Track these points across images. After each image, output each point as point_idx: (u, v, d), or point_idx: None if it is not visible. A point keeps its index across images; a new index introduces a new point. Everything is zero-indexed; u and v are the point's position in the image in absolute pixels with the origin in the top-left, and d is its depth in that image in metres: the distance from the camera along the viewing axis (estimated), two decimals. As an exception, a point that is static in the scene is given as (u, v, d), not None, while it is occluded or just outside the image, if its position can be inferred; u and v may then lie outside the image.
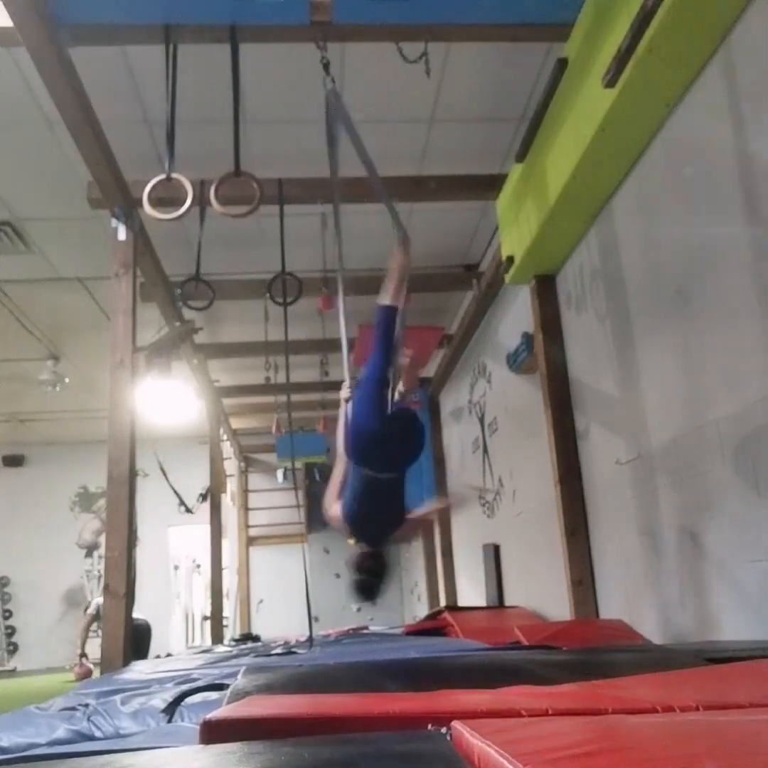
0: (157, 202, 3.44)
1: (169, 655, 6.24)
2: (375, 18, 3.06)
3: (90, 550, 10.54)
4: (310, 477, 10.25)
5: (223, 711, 1.31)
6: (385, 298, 2.79)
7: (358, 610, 9.63)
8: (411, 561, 9.69)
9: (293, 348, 5.07)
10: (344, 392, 2.87)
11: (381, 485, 2.67)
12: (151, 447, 7.22)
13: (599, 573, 3.91)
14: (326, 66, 2.88)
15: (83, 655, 7.73)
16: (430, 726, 1.15)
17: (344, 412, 2.82)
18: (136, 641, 6.59)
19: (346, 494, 2.78)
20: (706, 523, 2.88)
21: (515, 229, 4.13)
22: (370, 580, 2.74)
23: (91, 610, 7.84)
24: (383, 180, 3.02)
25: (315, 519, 10.16)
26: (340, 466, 2.86)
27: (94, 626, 7.84)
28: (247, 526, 10.55)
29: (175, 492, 8.37)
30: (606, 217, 3.68)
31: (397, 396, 2.65)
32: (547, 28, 3.24)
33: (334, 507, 2.82)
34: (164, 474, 7.82)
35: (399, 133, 4.29)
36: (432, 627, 4.60)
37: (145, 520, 5.33)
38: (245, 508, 10.58)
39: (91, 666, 7.35)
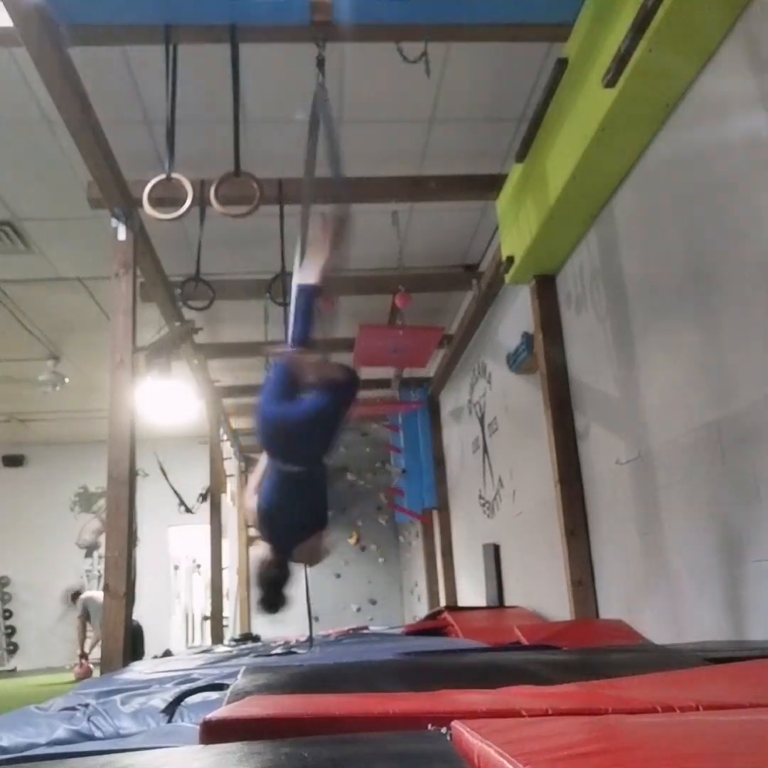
0: (157, 202, 3.44)
1: (168, 652, 6.24)
2: (375, 18, 3.06)
3: (90, 550, 10.55)
4: (310, 477, 10.23)
5: (223, 711, 1.30)
6: (307, 276, 2.57)
7: (358, 610, 9.64)
8: (411, 561, 9.69)
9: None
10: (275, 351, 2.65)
11: (291, 480, 2.45)
12: (151, 447, 7.23)
13: (599, 573, 3.91)
14: (321, 63, 2.89)
15: (83, 655, 7.73)
16: (430, 726, 1.14)
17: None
18: (135, 643, 6.59)
19: (263, 486, 2.56)
20: (706, 523, 2.88)
21: (515, 229, 4.13)
22: (271, 590, 2.47)
23: (78, 613, 7.86)
24: (378, 179, 3.00)
25: (315, 519, 10.17)
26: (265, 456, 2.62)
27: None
28: (248, 526, 10.54)
29: (175, 492, 8.38)
30: (606, 217, 3.68)
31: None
32: (547, 28, 3.24)
33: (251, 499, 2.57)
34: (164, 474, 7.83)
35: (399, 133, 4.30)
36: (432, 627, 4.60)
37: (145, 520, 5.33)
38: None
39: (91, 666, 7.35)
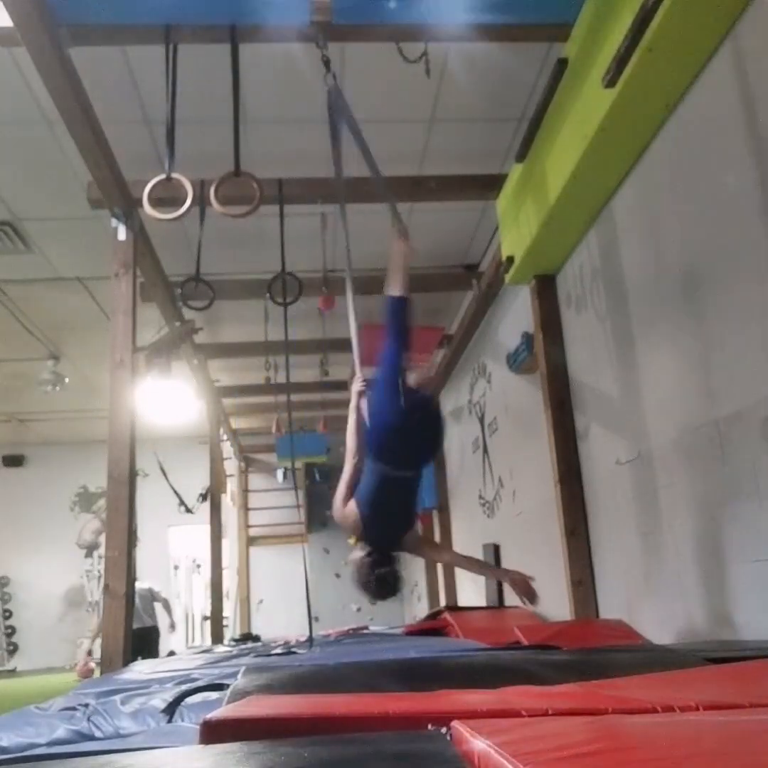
0: (157, 202, 3.43)
1: (171, 653, 6.24)
2: (375, 18, 3.06)
3: (90, 550, 10.55)
4: (310, 477, 10.25)
5: (223, 711, 1.30)
6: (395, 290, 2.77)
7: (358, 609, 9.63)
8: (411, 561, 9.69)
9: (293, 348, 5.07)
10: (356, 385, 2.82)
11: (398, 484, 2.61)
12: (151, 447, 7.23)
13: (599, 573, 3.91)
14: (327, 63, 2.89)
15: (90, 652, 7.73)
16: (430, 726, 1.14)
17: (355, 407, 2.76)
18: (147, 645, 6.58)
19: (359, 493, 2.70)
20: (706, 522, 2.88)
21: (515, 229, 4.13)
22: (390, 576, 2.65)
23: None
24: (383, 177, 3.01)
25: (315, 519, 10.19)
26: (350, 464, 2.79)
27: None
28: (247, 526, 10.55)
29: (175, 492, 8.38)
30: (606, 217, 3.68)
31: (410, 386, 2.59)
32: (547, 28, 3.24)
33: (346, 506, 2.73)
34: (164, 474, 7.83)
35: (399, 133, 4.30)
36: (432, 627, 4.60)
37: (145, 520, 5.33)
38: (245, 508, 10.58)
39: (93, 665, 7.36)
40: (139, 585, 7.30)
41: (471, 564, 3.39)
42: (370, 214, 3.71)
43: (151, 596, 7.35)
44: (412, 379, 2.62)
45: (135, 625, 6.64)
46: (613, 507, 3.73)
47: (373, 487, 2.63)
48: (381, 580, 2.64)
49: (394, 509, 2.66)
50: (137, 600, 6.98)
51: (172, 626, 7.98)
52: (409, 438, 2.55)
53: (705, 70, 2.71)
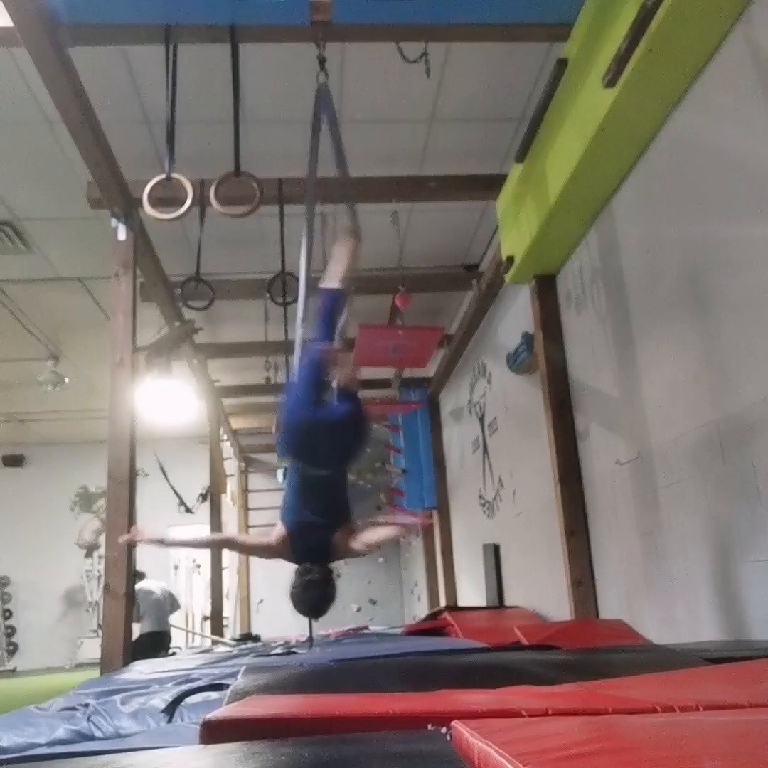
0: (157, 202, 3.44)
1: (173, 653, 6.24)
2: (375, 18, 3.06)
3: (90, 550, 10.54)
4: (310, 477, 10.23)
5: (223, 711, 1.31)
6: (332, 282, 2.71)
7: (358, 609, 9.64)
8: (411, 561, 9.69)
9: (293, 348, 5.06)
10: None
11: (317, 483, 2.50)
12: (151, 447, 7.21)
13: (599, 573, 3.91)
14: (322, 62, 2.90)
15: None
16: (430, 726, 1.15)
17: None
18: (161, 648, 6.53)
19: (283, 502, 2.62)
20: (706, 522, 2.88)
21: (515, 229, 4.13)
22: (319, 594, 2.51)
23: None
24: (378, 179, 3.03)
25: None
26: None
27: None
28: (248, 526, 10.54)
29: (175, 492, 8.36)
30: (606, 217, 3.68)
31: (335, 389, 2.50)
32: (547, 28, 3.24)
33: (275, 531, 2.60)
34: (164, 474, 7.81)
35: (399, 133, 4.30)
36: (432, 627, 4.60)
37: (145, 520, 5.32)
38: (245, 508, 10.57)
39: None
40: (160, 585, 7.16)
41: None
42: (364, 215, 3.71)
43: (171, 601, 7.12)
44: (335, 375, 2.53)
45: (154, 628, 6.56)
46: (613, 507, 3.73)
47: (292, 489, 2.55)
48: (308, 590, 2.50)
49: (318, 510, 2.52)
50: (159, 599, 6.84)
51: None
52: (324, 436, 2.45)
53: (705, 70, 2.71)
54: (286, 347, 4.48)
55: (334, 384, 2.53)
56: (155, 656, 6.12)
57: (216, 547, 2.80)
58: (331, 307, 2.66)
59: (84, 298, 6.00)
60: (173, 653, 6.34)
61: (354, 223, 2.96)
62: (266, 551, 2.63)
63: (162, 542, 2.80)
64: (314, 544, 2.53)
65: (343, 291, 2.69)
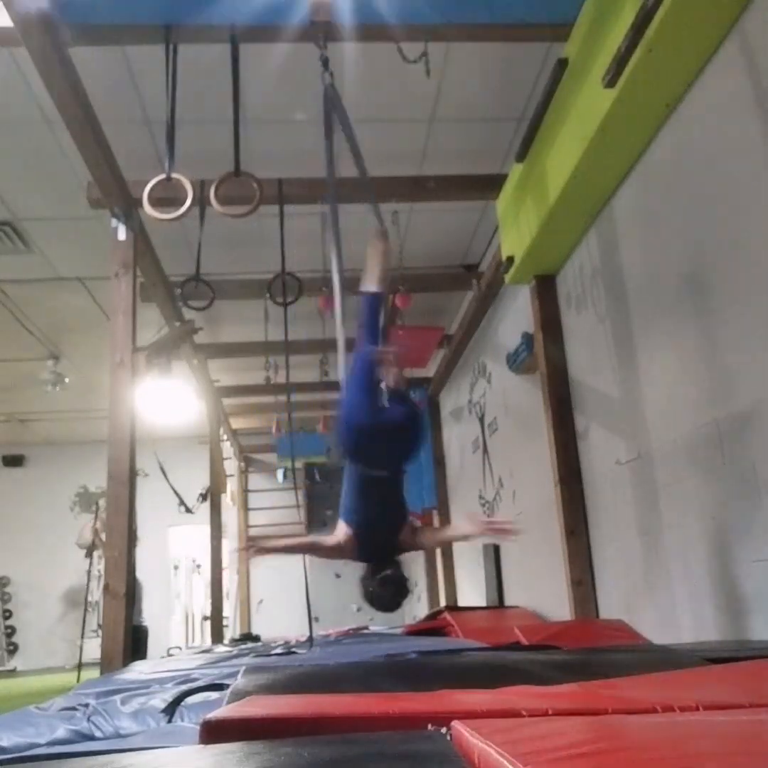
0: (157, 202, 3.43)
1: (169, 653, 6.23)
2: (375, 18, 3.06)
3: (90, 550, 10.54)
4: (310, 477, 10.25)
5: (223, 711, 1.31)
6: (370, 285, 2.74)
7: (358, 609, 9.62)
8: (411, 561, 9.69)
9: (293, 348, 5.06)
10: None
11: (378, 484, 2.53)
12: (151, 447, 7.21)
13: (599, 573, 3.91)
14: (325, 62, 2.90)
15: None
16: (430, 726, 1.15)
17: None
18: (137, 646, 6.53)
19: (342, 506, 2.63)
20: (706, 523, 2.88)
21: (515, 229, 4.13)
22: (397, 589, 2.52)
23: None
24: (378, 179, 3.03)
25: (315, 519, 10.17)
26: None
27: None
28: (247, 526, 10.54)
29: (175, 492, 8.36)
30: (606, 217, 3.68)
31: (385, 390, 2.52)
32: (547, 28, 3.24)
33: (336, 531, 2.59)
34: (164, 474, 7.81)
35: (399, 133, 4.30)
36: (432, 627, 4.60)
37: (145, 520, 5.32)
38: (245, 508, 10.58)
39: None
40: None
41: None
42: (366, 215, 3.71)
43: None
44: (388, 376, 2.54)
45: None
46: (613, 507, 3.73)
47: (353, 491, 2.56)
48: (385, 586, 2.50)
49: (380, 510, 2.56)
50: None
51: None
52: (384, 437, 2.48)
53: (705, 70, 2.71)
54: (286, 347, 4.48)
55: (383, 385, 2.54)
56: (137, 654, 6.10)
57: (304, 551, 2.80)
58: (373, 309, 2.72)
59: (84, 298, 6.00)
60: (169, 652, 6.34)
61: (381, 226, 3.00)
62: (335, 552, 2.64)
63: (273, 551, 2.75)
64: (380, 543, 2.56)
65: (383, 293, 2.75)
